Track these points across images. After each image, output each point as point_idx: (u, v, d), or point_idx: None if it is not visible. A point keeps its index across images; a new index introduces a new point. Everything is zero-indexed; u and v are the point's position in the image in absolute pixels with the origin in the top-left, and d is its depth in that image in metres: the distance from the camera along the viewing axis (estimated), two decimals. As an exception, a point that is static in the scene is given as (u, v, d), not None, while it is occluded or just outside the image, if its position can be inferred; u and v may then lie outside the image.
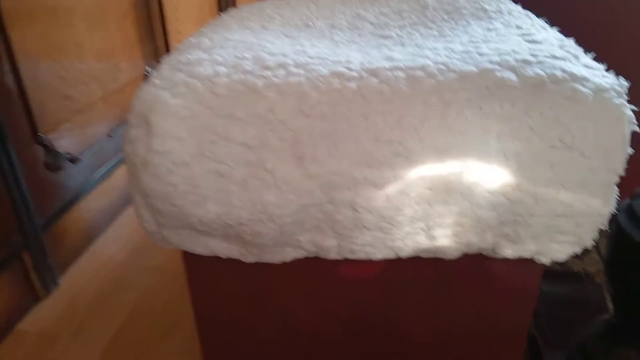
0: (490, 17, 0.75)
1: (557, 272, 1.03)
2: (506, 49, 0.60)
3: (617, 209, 0.60)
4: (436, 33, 0.71)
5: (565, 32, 0.69)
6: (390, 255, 0.63)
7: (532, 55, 0.58)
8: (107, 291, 1.19)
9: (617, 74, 0.58)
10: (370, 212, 0.58)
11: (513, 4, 0.82)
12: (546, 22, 0.73)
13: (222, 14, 0.87)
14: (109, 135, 1.37)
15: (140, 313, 1.12)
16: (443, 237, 0.61)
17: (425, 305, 0.71)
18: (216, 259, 0.66)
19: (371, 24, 0.78)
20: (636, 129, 0.56)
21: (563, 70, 0.56)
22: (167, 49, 1.62)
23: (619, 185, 0.59)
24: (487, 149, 0.55)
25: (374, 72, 0.57)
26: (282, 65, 0.59)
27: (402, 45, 0.67)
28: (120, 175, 1.42)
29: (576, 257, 0.67)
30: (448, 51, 0.61)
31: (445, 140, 0.55)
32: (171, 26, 1.62)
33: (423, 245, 0.62)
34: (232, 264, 0.66)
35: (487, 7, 0.79)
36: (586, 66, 0.58)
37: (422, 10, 0.81)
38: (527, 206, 0.57)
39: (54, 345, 1.06)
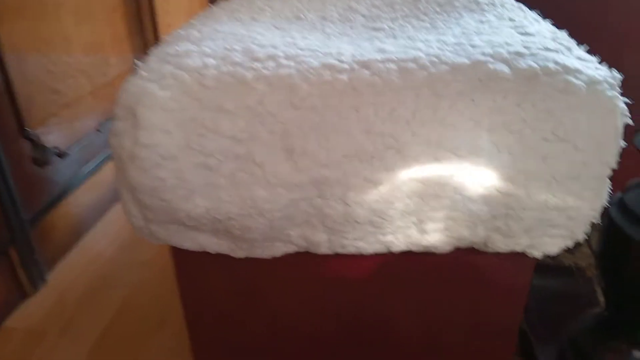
0: (483, 10, 0.74)
1: (548, 266, 1.04)
2: (499, 41, 0.59)
3: (608, 203, 0.60)
4: (428, 25, 0.71)
5: (558, 24, 0.68)
6: (381, 250, 0.63)
7: (525, 47, 0.58)
8: (95, 287, 1.18)
9: (610, 66, 0.58)
10: (361, 206, 0.58)
11: (506, -4, 0.82)
12: (539, 14, 0.73)
13: (211, 6, 0.85)
14: (98, 130, 1.36)
15: (129, 309, 1.11)
16: (435, 231, 0.61)
17: (416, 300, 0.70)
18: (205, 254, 0.65)
19: (363, 16, 0.77)
20: (629, 121, 0.56)
21: (556, 63, 0.55)
22: (157, 43, 1.60)
23: (611, 179, 0.59)
24: (480, 141, 0.55)
25: (365, 64, 0.56)
26: (272, 57, 0.58)
27: (394, 37, 0.67)
28: (109, 171, 1.41)
29: (567, 251, 0.68)
30: (440, 43, 0.61)
31: (437, 133, 0.54)
32: (161, 20, 1.60)
33: (414, 239, 0.62)
34: (222, 259, 0.65)
35: (479, -1, 0.79)
36: (579, 58, 0.58)
37: (414, 3, 0.81)
38: (519, 199, 0.57)
39: (41, 341, 1.05)
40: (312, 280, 0.69)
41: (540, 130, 0.54)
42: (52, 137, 1.20)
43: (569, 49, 0.59)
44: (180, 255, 0.69)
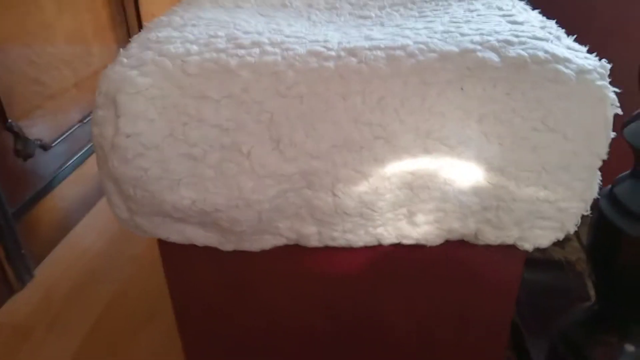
0: (472, -1, 0.73)
1: (538, 260, 1.04)
2: (488, 30, 0.59)
3: (598, 195, 0.60)
4: (416, 14, 0.70)
5: (546, 14, 0.68)
6: (372, 242, 0.62)
7: (514, 35, 0.57)
8: (83, 282, 1.17)
9: (599, 57, 0.57)
10: (351, 198, 0.57)
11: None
12: (527, 4, 0.72)
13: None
14: (83, 122, 1.34)
15: (118, 304, 1.11)
16: (425, 223, 0.60)
17: (407, 293, 0.70)
18: (193, 248, 0.64)
19: (350, 4, 0.76)
20: (618, 111, 0.56)
21: (545, 51, 0.55)
22: (141, 32, 1.58)
23: (601, 171, 0.58)
24: (469, 131, 0.54)
25: (352, 52, 0.56)
26: (256, 44, 0.57)
27: (382, 25, 0.66)
28: (95, 163, 1.39)
29: (557, 245, 0.67)
30: (428, 31, 0.60)
31: (426, 122, 0.54)
32: (145, 9, 1.59)
33: (405, 231, 0.61)
34: (210, 253, 0.65)
35: (468, -12, 0.78)
36: (568, 47, 0.58)
37: (402, -9, 0.80)
38: (510, 190, 0.57)
39: (29, 337, 1.04)
40: (301, 274, 0.69)
41: (530, 120, 0.54)
42: (36, 129, 1.19)
43: (558, 38, 0.59)
44: (167, 249, 0.68)
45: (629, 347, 0.74)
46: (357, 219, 0.59)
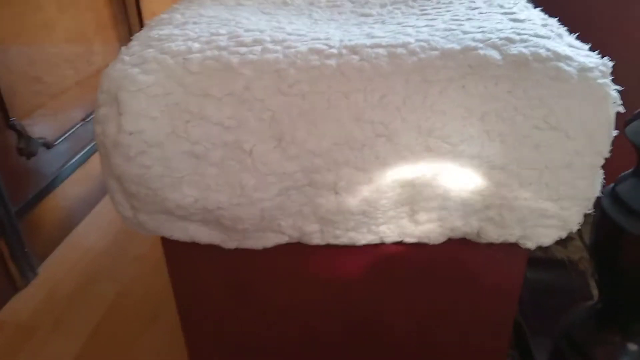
0: (473, -4, 0.73)
1: (541, 260, 1.04)
2: (489, 27, 0.59)
3: (601, 194, 0.60)
4: (418, 11, 0.70)
5: (548, 13, 0.68)
6: (374, 240, 0.62)
7: (516, 33, 0.57)
8: (87, 281, 1.17)
9: (601, 55, 0.57)
10: (353, 196, 0.57)
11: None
12: (528, 2, 0.72)
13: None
14: (85, 121, 1.35)
15: (121, 304, 1.11)
16: (427, 221, 0.60)
17: (409, 292, 0.70)
18: (197, 246, 0.64)
19: (351, 2, 0.76)
20: (621, 109, 0.55)
21: (547, 49, 0.55)
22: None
23: (603, 169, 0.58)
24: (471, 129, 0.54)
25: (354, 49, 0.55)
26: (258, 42, 0.57)
27: (383, 23, 0.66)
28: (97, 162, 1.39)
29: (560, 244, 0.67)
30: (430, 29, 0.60)
31: (427, 120, 0.54)
32: (146, 7, 1.59)
33: (407, 230, 0.61)
34: (213, 251, 0.65)
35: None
36: (570, 45, 0.57)
37: (404, -10, 0.80)
38: (512, 189, 0.57)
39: (32, 336, 1.04)
40: (304, 272, 0.69)
41: (531, 118, 0.54)
42: (39, 128, 1.19)
43: (559, 36, 0.59)
44: (171, 247, 0.68)
45: (632, 346, 0.74)
46: (359, 217, 0.59)
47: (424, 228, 0.60)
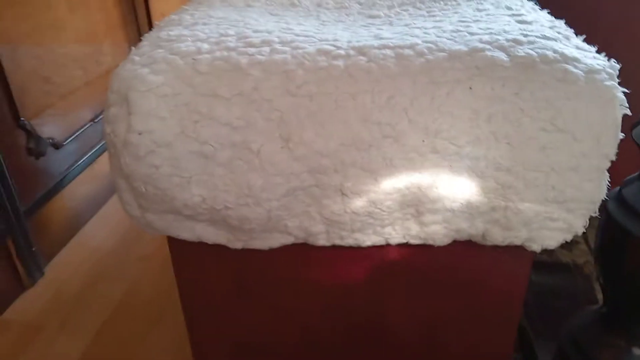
0: (480, -2, 0.73)
1: (546, 263, 1.03)
2: (497, 29, 0.59)
3: (606, 197, 0.60)
4: (425, 13, 0.70)
5: (555, 14, 0.68)
6: (379, 242, 0.62)
7: (523, 35, 0.57)
8: (93, 281, 1.18)
9: (607, 57, 0.57)
10: (359, 197, 0.57)
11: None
12: (536, 4, 0.72)
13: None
14: (94, 121, 1.35)
15: (127, 304, 1.11)
16: (433, 223, 0.60)
17: (414, 293, 0.70)
18: (203, 246, 0.64)
19: (359, 3, 0.77)
20: (628, 112, 0.55)
21: (554, 51, 0.55)
22: (151, 31, 1.59)
23: (609, 172, 0.58)
24: (478, 131, 0.54)
25: (361, 51, 0.56)
26: (266, 43, 0.58)
27: (391, 24, 0.66)
28: (106, 162, 1.40)
29: (565, 247, 0.67)
30: (437, 30, 0.60)
31: (434, 122, 0.54)
32: (155, 8, 1.60)
33: (413, 231, 0.61)
34: (219, 251, 0.65)
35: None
36: (577, 47, 0.57)
37: (411, -9, 0.80)
38: (518, 191, 0.56)
39: (39, 335, 1.04)
40: (309, 273, 0.69)
41: (538, 120, 0.54)
42: (48, 128, 1.20)
43: (567, 38, 0.59)
44: (177, 247, 0.68)
45: (637, 350, 0.74)
46: (365, 218, 0.59)
47: (429, 229, 0.60)
